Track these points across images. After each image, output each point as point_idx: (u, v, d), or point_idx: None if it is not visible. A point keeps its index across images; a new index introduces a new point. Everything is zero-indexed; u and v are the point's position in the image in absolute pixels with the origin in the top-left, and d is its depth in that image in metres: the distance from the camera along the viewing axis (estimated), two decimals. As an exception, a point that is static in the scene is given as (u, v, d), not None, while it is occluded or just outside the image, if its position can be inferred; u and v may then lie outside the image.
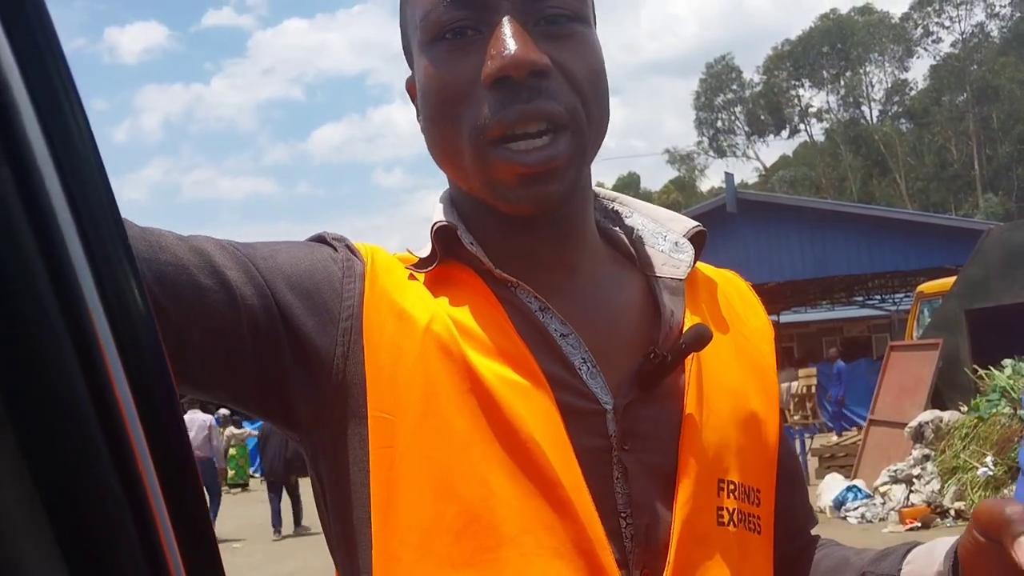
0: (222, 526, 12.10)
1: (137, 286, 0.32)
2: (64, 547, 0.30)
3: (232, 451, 16.59)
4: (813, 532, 1.03)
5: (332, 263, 0.85)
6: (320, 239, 0.90)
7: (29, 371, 0.30)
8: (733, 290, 0.99)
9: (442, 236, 0.85)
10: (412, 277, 0.85)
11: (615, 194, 1.00)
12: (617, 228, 0.97)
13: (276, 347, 0.80)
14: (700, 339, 0.84)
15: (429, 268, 0.85)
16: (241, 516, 13.26)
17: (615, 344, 0.85)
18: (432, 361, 0.79)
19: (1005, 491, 8.05)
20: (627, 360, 0.85)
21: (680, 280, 0.90)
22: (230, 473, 16.79)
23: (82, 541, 0.32)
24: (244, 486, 17.49)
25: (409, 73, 0.92)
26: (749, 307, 0.99)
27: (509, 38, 0.78)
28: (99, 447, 0.30)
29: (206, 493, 11.79)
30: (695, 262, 0.92)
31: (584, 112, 0.82)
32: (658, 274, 0.91)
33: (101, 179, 0.32)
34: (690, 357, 0.85)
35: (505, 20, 0.79)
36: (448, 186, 0.93)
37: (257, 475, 17.83)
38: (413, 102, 0.91)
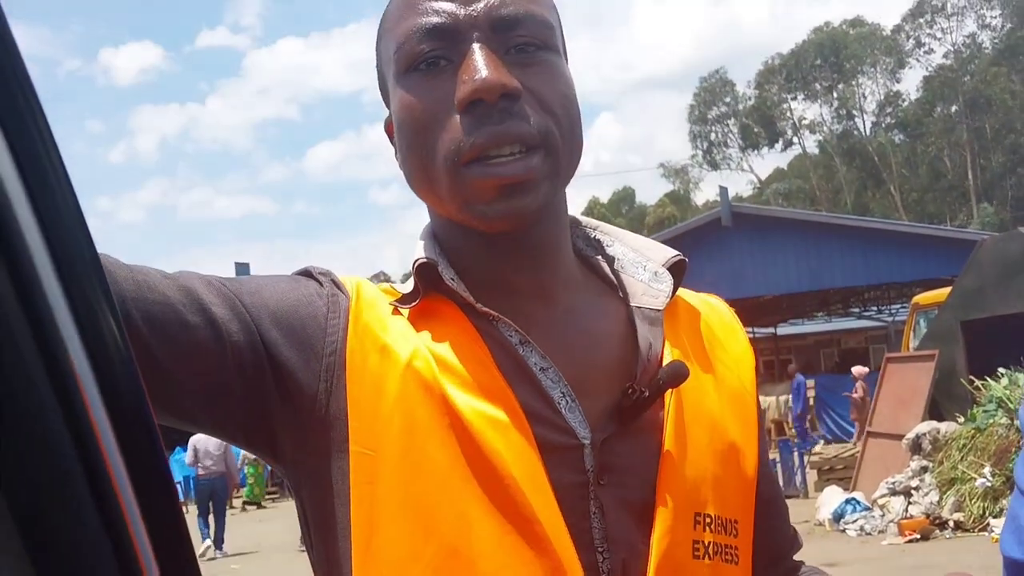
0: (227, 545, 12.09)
1: (116, 324, 0.33)
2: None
3: (248, 469, 16.68)
4: (796, 557, 1.03)
5: (317, 298, 0.86)
6: (306, 273, 0.91)
7: (7, 410, 0.30)
8: (715, 317, 1.00)
9: (424, 272, 0.87)
10: (396, 311, 0.87)
11: (597, 222, 1.02)
12: (599, 256, 0.98)
13: (262, 382, 0.82)
14: (677, 376, 0.85)
15: (412, 304, 0.86)
16: (243, 536, 13.19)
17: (594, 376, 0.86)
18: (413, 397, 0.81)
19: (1004, 502, 8.04)
20: (606, 393, 0.86)
21: (659, 311, 0.91)
22: (242, 491, 16.85)
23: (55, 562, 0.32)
24: (257, 504, 17.56)
25: (387, 114, 0.93)
26: (730, 333, 1.00)
27: (480, 63, 0.81)
28: (77, 475, 0.31)
29: (211, 508, 11.95)
30: (675, 291, 0.93)
31: (557, 133, 0.83)
32: (637, 304, 0.92)
33: (79, 223, 0.33)
34: (668, 391, 0.86)
35: (475, 47, 0.82)
36: (428, 220, 0.94)
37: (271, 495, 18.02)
38: (392, 143, 0.92)
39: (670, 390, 0.86)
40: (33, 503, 0.32)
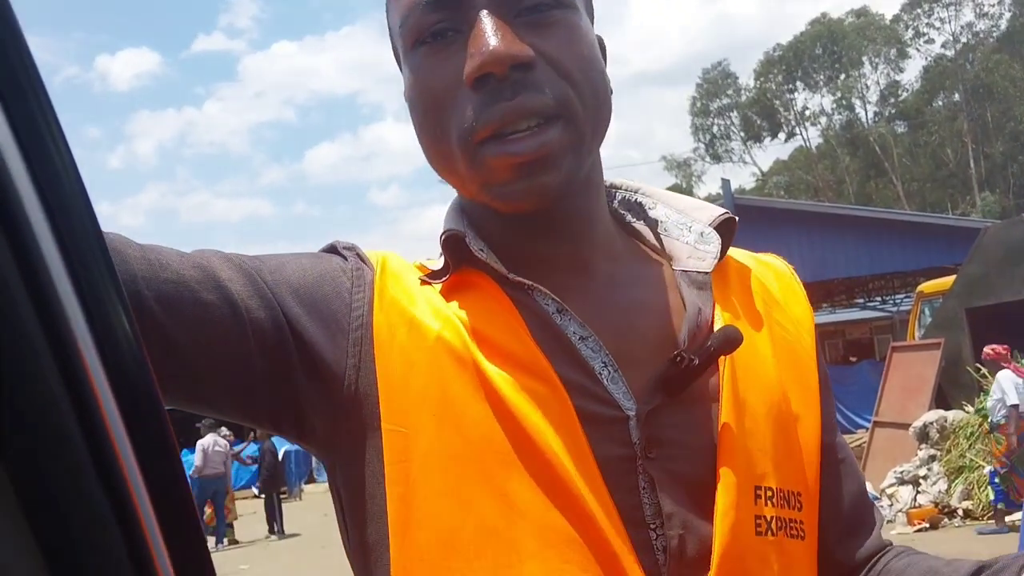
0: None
1: (124, 312, 0.33)
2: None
3: None
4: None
5: (341, 273, 0.83)
6: (331, 249, 0.88)
7: (17, 404, 0.30)
8: (771, 276, 0.94)
9: (451, 244, 0.83)
10: (425, 284, 0.83)
11: (638, 184, 0.97)
12: (641, 221, 0.94)
13: (286, 360, 0.78)
14: (729, 342, 0.80)
15: (443, 279, 0.83)
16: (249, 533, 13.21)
17: (638, 346, 0.81)
18: (445, 370, 0.77)
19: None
20: (651, 363, 0.80)
21: (706, 273, 0.86)
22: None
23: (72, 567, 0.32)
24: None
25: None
26: (791, 294, 0.93)
27: (488, 34, 0.75)
28: (88, 472, 0.31)
29: (214, 507, 12.53)
30: (724, 252, 0.88)
31: (577, 99, 0.78)
32: (683, 268, 0.87)
33: (84, 205, 0.32)
34: (721, 358, 0.81)
35: (483, 15, 0.76)
36: (456, 194, 0.90)
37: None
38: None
39: (723, 357, 0.81)
40: (48, 505, 0.31)
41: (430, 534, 0.74)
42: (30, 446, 0.31)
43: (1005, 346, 8.48)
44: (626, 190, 0.96)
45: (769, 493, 0.80)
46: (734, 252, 0.93)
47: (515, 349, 0.78)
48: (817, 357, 0.92)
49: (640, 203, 0.95)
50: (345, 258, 0.86)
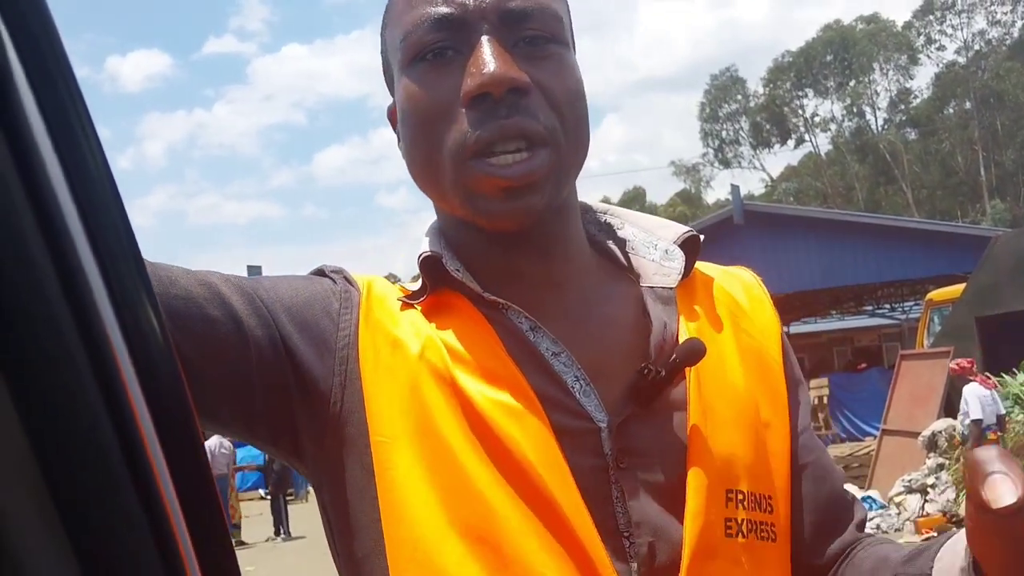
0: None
1: (156, 319, 0.34)
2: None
3: None
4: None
5: (331, 295, 0.87)
6: (319, 272, 0.92)
7: (52, 403, 0.31)
8: (738, 286, 0.97)
9: (428, 266, 0.86)
10: (407, 306, 0.87)
11: (607, 206, 1.01)
12: (610, 241, 0.97)
13: (282, 378, 0.82)
14: (694, 354, 0.83)
15: (420, 299, 0.86)
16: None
17: (608, 360, 0.85)
18: (426, 387, 0.80)
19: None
20: (621, 375, 0.84)
21: (671, 288, 0.89)
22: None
23: (103, 565, 0.33)
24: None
25: (390, 101, 0.92)
26: (756, 303, 0.97)
27: (488, 56, 0.79)
28: (122, 474, 0.31)
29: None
30: (689, 268, 0.92)
31: (562, 131, 0.82)
32: (649, 284, 0.90)
33: (121, 219, 0.33)
34: (687, 368, 0.84)
35: (484, 39, 0.80)
36: (435, 218, 0.94)
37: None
38: (394, 129, 0.92)
39: (689, 368, 0.84)
40: (82, 507, 0.32)
41: (420, 539, 0.77)
42: (62, 442, 0.31)
43: (969, 360, 8.52)
44: (597, 211, 1.00)
45: (740, 496, 0.83)
46: (701, 266, 0.96)
47: (492, 366, 0.81)
48: (785, 362, 0.95)
49: (609, 223, 0.99)
50: (334, 281, 0.89)
